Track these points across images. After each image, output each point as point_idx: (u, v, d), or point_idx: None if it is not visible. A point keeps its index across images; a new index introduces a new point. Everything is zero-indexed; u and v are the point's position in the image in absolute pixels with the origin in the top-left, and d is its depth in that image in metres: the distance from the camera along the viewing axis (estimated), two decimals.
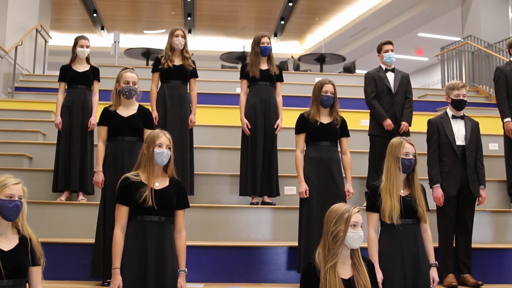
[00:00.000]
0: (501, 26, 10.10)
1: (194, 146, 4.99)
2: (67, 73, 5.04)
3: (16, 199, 2.45)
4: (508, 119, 4.81)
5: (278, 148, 4.98)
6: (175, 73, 4.87)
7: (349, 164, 4.06)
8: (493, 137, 6.01)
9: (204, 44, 16.83)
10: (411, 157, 3.15)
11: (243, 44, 13.72)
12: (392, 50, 5.10)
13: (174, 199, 2.96)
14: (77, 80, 5.02)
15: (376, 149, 4.85)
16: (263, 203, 4.81)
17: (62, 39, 14.70)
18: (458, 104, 4.17)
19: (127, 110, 3.92)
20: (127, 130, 3.88)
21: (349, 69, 11.14)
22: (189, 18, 15.09)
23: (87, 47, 5.08)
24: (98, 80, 5.12)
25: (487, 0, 10.21)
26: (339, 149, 4.09)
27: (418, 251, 3.09)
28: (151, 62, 10.79)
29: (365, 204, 3.33)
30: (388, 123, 4.89)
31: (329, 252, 2.55)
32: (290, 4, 13.72)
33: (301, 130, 4.03)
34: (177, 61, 4.91)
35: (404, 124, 4.94)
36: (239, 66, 10.75)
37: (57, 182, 4.84)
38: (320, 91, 3.99)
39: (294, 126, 4.08)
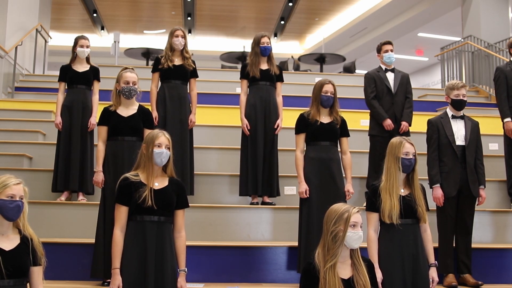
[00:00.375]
0: (501, 26, 10.10)
1: (194, 146, 4.99)
2: (67, 73, 5.04)
3: (17, 199, 2.45)
4: (508, 119, 4.81)
5: (278, 148, 4.98)
6: (175, 73, 4.87)
7: (349, 164, 4.06)
8: (493, 137, 6.01)
9: (204, 44, 16.83)
10: (411, 156, 3.15)
11: (243, 44, 13.73)
12: (391, 50, 5.10)
13: (174, 199, 2.96)
14: (77, 80, 5.02)
15: (376, 149, 4.85)
16: (263, 203, 4.81)
17: (62, 39, 14.70)
18: (458, 104, 4.17)
19: (127, 110, 3.92)
20: (127, 130, 3.88)
21: (349, 69, 11.14)
22: (189, 18, 15.09)
23: (87, 47, 5.08)
24: (98, 80, 5.12)
25: (487, 0, 10.21)
26: (339, 149, 4.09)
27: (418, 251, 3.09)
28: (151, 62, 10.80)
29: (365, 204, 3.34)
30: (388, 123, 4.89)
31: (328, 252, 2.55)
32: (290, 4, 13.72)
33: (301, 130, 4.03)
34: (177, 61, 4.91)
35: (404, 124, 4.94)
36: (239, 66, 10.76)
37: (56, 182, 4.84)
38: (320, 91, 3.99)
39: (294, 126, 4.08)
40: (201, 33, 16.46)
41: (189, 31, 15.98)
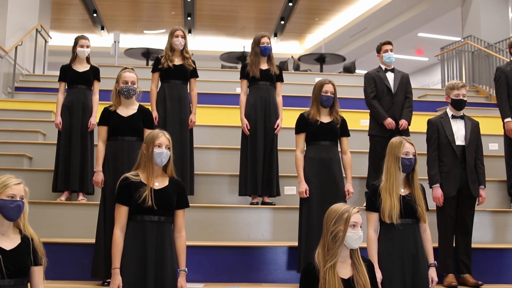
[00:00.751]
0: (501, 26, 10.11)
1: (194, 146, 4.99)
2: (67, 73, 5.04)
3: (18, 199, 2.45)
4: (509, 119, 4.81)
5: (278, 148, 4.98)
6: (175, 73, 4.88)
7: (349, 164, 4.07)
8: (493, 137, 6.02)
9: (204, 44, 16.83)
10: (411, 156, 3.15)
11: (243, 44, 13.73)
12: (391, 50, 5.10)
13: (174, 199, 2.96)
14: (77, 80, 5.02)
15: (376, 149, 4.85)
16: (263, 203, 4.81)
17: (62, 39, 14.71)
18: (458, 104, 4.17)
19: (127, 110, 3.92)
20: (127, 130, 3.88)
21: (349, 69, 11.15)
22: (189, 18, 15.10)
23: (87, 47, 5.08)
24: (98, 80, 5.12)
25: (487, 0, 10.22)
26: (339, 149, 4.09)
27: (417, 251, 3.09)
28: (151, 62, 10.80)
29: (365, 204, 3.34)
30: (389, 121, 4.88)
31: (328, 252, 2.55)
32: (290, 4, 13.72)
33: (301, 130, 4.03)
34: (177, 61, 4.91)
35: (403, 121, 4.93)
36: (239, 66, 10.76)
37: (57, 182, 4.84)
38: (320, 91, 3.99)
39: (294, 126, 4.08)
40: (201, 33, 16.47)
41: (189, 31, 15.98)
